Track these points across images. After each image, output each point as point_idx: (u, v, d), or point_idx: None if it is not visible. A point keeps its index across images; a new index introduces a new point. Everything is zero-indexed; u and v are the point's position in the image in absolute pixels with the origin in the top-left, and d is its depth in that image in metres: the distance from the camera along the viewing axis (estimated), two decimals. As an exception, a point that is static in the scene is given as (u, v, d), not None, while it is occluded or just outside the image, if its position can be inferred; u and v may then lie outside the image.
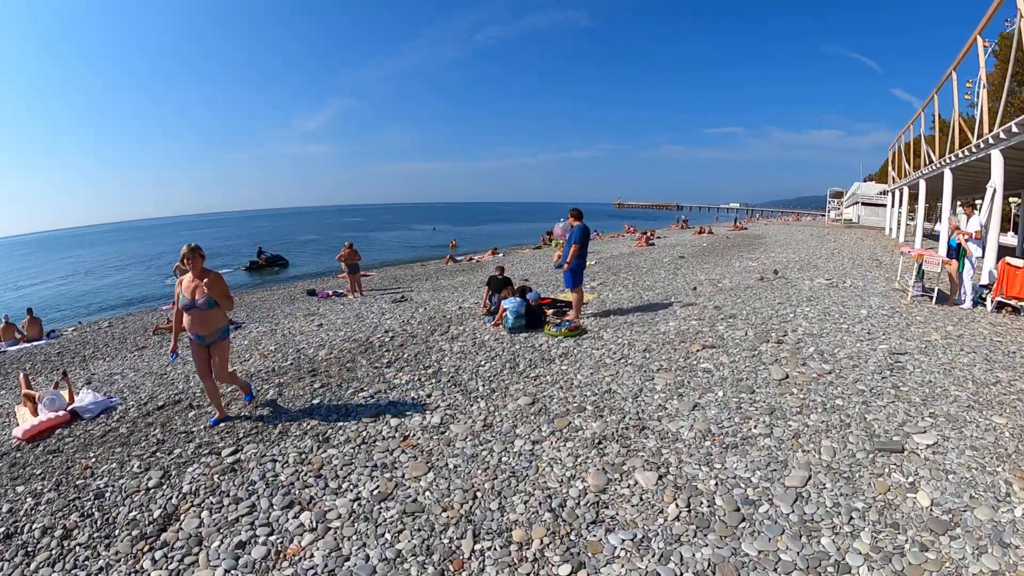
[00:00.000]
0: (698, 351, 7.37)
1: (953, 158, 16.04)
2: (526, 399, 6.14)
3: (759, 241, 26.69)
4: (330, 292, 18.60)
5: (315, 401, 6.59)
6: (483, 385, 6.74)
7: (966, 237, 10.62)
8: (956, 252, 10.85)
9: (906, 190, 26.31)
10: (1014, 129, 11.19)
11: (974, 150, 13.85)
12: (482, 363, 7.60)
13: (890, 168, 32.87)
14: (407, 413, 5.98)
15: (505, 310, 9.36)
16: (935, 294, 10.79)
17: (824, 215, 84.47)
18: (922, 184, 21.42)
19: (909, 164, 26.37)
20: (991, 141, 12.30)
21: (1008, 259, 10.26)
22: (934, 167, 19.32)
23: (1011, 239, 30.13)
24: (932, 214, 45.03)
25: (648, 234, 36.01)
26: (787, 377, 6.25)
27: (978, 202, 16.63)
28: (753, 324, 8.70)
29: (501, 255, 27.66)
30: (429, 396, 6.50)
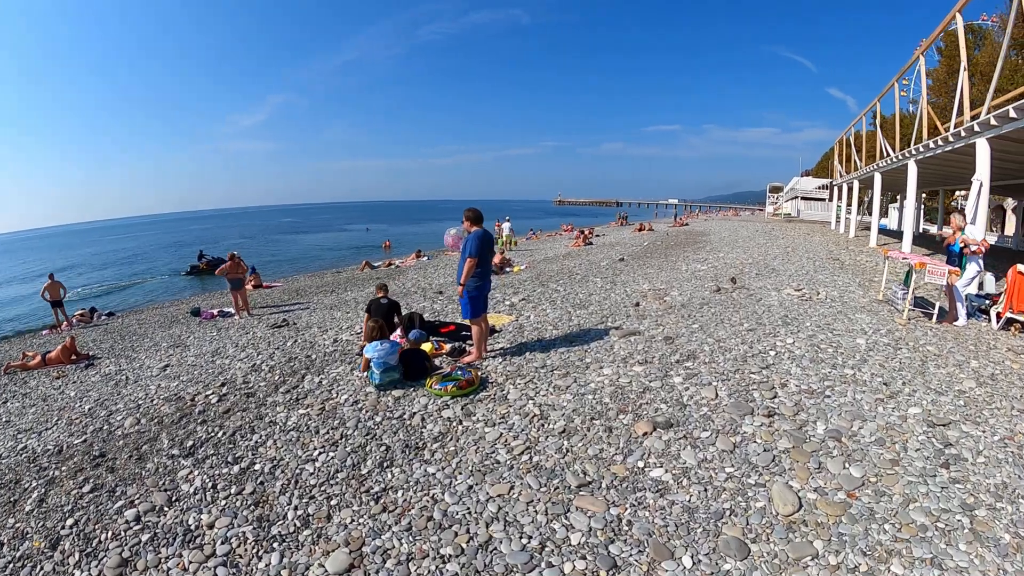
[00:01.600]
0: (645, 435, 4.60)
1: (921, 148, 13.98)
2: (342, 557, 3.29)
3: (703, 239, 24.54)
4: (215, 312, 15.28)
5: (68, 522, 4.06)
6: (293, 512, 3.85)
7: (973, 249, 8.41)
8: (959, 260, 8.62)
9: (855, 184, 24.63)
10: (1012, 114, 9.01)
11: (951, 139, 11.79)
12: (314, 455, 4.71)
13: (836, 162, 31.39)
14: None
15: (369, 360, 6.47)
16: (935, 310, 8.48)
17: (763, 209, 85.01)
18: (877, 178, 19.57)
19: (860, 158, 24.70)
20: (976, 128, 10.26)
21: (1020, 267, 8.05)
22: (890, 161, 17.42)
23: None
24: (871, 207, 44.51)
25: (587, 233, 33.65)
26: (799, 507, 3.52)
27: (962, 202, 14.91)
28: (723, 373, 6.00)
29: (426, 258, 24.65)
30: (200, 532, 3.67)
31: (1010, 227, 33.06)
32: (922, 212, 29.00)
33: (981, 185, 10.32)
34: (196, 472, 4.57)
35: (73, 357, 10.44)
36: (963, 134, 11.02)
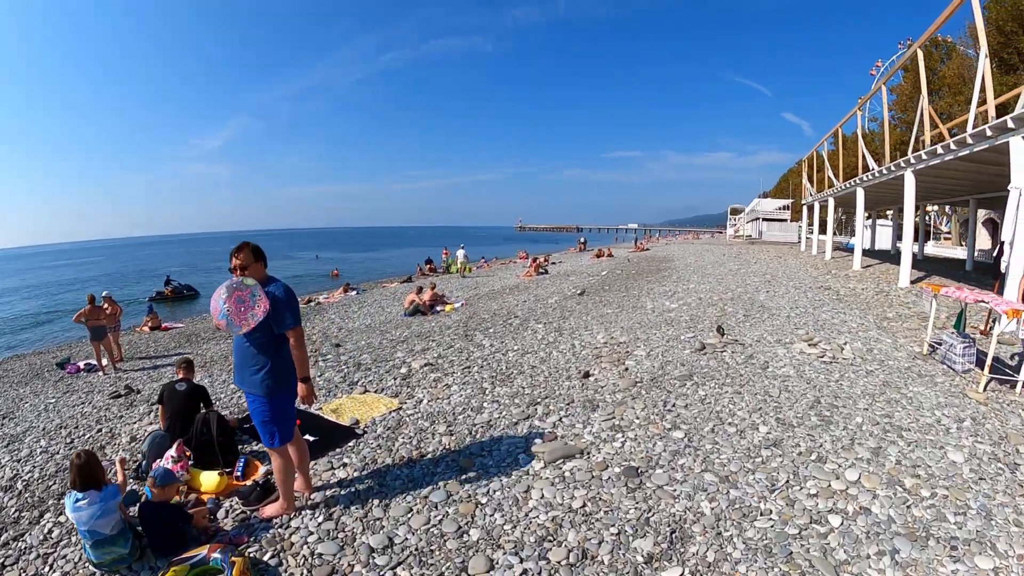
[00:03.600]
0: None
1: (924, 155, 11.20)
2: None
3: (668, 266, 21.60)
4: (81, 365, 11.75)
5: None
6: None
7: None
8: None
9: (830, 202, 22.11)
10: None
11: (970, 140, 9.19)
12: None
13: (804, 181, 29.05)
14: None
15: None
16: (1022, 371, 5.50)
17: (722, 232, 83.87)
18: (860, 194, 16.96)
19: (836, 175, 22.24)
20: (1011, 125, 7.81)
21: None
22: (875, 173, 14.76)
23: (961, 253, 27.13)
24: (848, 226, 42.70)
25: (543, 260, 30.62)
26: None
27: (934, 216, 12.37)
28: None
29: (355, 292, 21.14)
30: None
31: (981, 240, 31.28)
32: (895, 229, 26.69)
33: (1021, 194, 7.67)
34: None
35: None
36: (989, 133, 8.49)
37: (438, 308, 14.40)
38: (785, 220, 50.27)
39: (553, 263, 29.62)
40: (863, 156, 17.08)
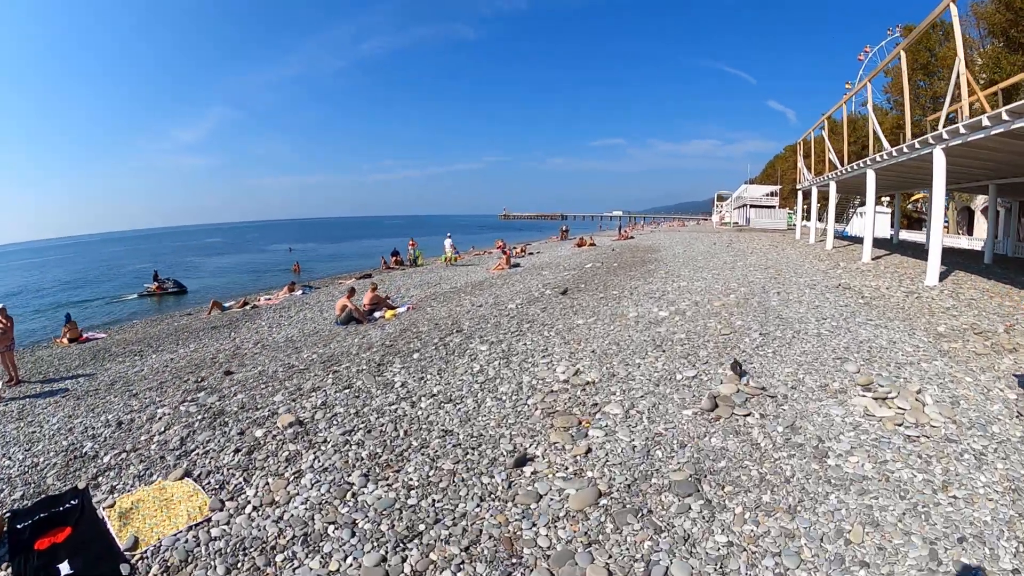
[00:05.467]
0: None
1: (964, 129, 8.62)
2: None
3: (654, 257, 18.96)
4: None
5: None
6: None
7: None
8: None
9: (832, 186, 19.57)
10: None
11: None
12: None
13: (800, 165, 26.50)
14: None
15: None
16: None
17: (707, 219, 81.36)
18: (871, 176, 14.42)
19: (839, 159, 19.72)
20: None
21: None
22: (893, 152, 12.18)
23: (960, 241, 24.85)
24: (844, 214, 40.40)
25: (520, 249, 28.00)
26: None
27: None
28: None
29: (301, 292, 18.27)
30: None
31: (979, 230, 29.06)
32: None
33: None
34: None
35: None
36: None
37: (376, 315, 11.73)
38: (773, 207, 47.94)
39: (531, 253, 26.97)
40: (874, 134, 14.60)
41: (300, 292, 18.34)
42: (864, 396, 4.77)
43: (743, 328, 7.28)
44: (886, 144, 13.21)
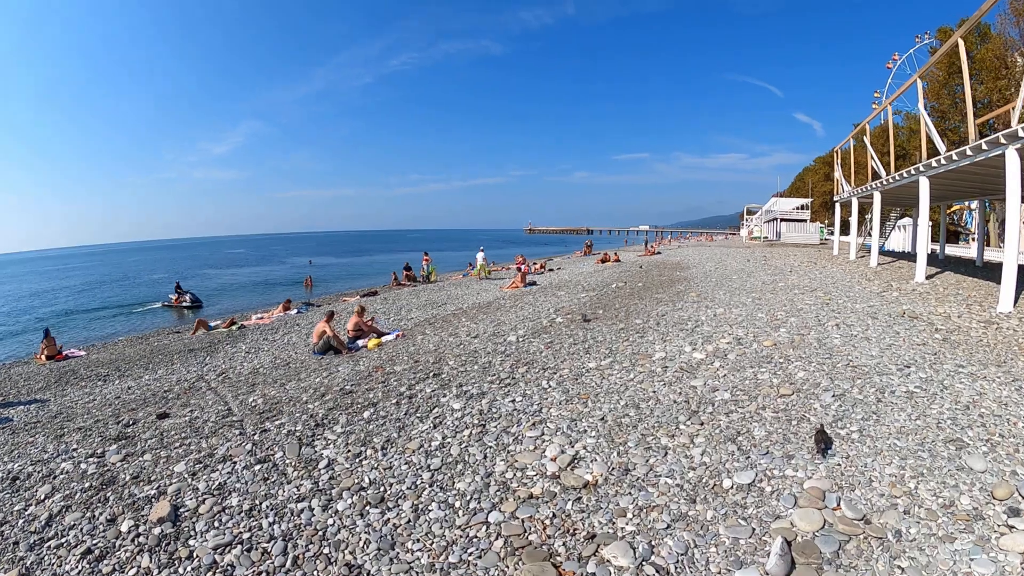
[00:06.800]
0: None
1: None
2: None
3: (683, 275, 16.92)
4: None
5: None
6: None
7: None
8: None
9: (876, 197, 17.34)
10: None
11: None
12: None
13: (838, 175, 24.24)
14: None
15: None
16: None
17: (735, 233, 78.54)
18: (924, 184, 12.31)
19: (882, 167, 17.56)
20: None
21: None
22: (953, 156, 10.08)
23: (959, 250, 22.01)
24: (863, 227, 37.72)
25: (539, 265, 26.21)
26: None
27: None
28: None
29: (295, 311, 16.70)
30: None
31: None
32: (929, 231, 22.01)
33: None
34: None
35: None
36: None
37: (360, 342, 10.00)
38: (804, 220, 45.50)
39: (550, 269, 25.09)
40: (927, 138, 12.55)
41: (295, 311, 16.76)
42: (1014, 530, 2.84)
43: (808, 384, 5.29)
44: (941, 147, 11.17)
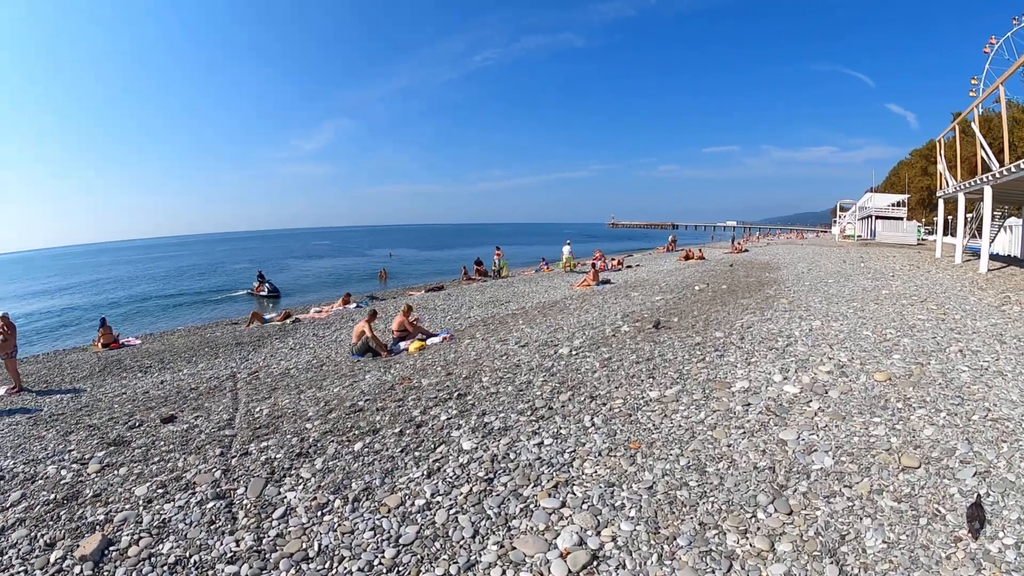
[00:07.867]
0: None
1: None
2: None
3: (773, 277, 14.93)
4: None
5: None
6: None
7: None
8: None
9: (987, 192, 14.40)
10: None
11: None
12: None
13: (942, 168, 20.97)
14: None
15: None
16: None
17: (826, 231, 72.58)
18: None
19: (995, 156, 14.81)
20: None
21: None
22: None
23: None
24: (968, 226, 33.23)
25: (617, 261, 24.72)
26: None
27: None
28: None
29: (355, 305, 16.08)
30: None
31: None
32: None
33: None
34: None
35: None
36: None
37: (402, 345, 9.08)
38: (901, 219, 40.95)
39: (628, 267, 23.44)
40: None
41: (354, 305, 16.18)
42: None
43: (939, 450, 3.67)
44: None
